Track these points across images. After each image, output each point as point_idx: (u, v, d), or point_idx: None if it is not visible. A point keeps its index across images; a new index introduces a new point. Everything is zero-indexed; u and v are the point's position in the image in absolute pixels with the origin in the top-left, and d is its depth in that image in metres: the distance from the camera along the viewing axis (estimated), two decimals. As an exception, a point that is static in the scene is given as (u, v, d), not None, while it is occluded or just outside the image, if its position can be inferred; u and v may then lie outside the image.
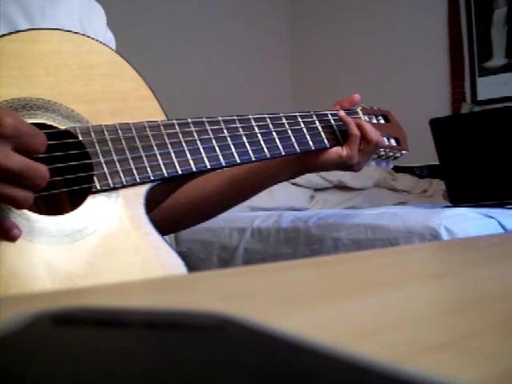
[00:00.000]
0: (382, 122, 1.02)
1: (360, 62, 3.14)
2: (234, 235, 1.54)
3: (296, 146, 0.84)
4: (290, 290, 0.32)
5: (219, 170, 0.81)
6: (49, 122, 0.62)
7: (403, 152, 1.04)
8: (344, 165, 0.91)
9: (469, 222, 1.24)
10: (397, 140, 1.03)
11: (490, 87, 2.76)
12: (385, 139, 0.98)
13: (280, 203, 1.90)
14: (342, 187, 2.20)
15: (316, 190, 2.14)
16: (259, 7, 3.26)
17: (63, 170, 0.61)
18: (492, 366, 0.17)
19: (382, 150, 0.98)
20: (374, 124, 0.98)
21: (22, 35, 0.63)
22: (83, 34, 0.71)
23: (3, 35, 0.62)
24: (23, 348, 0.15)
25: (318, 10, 3.35)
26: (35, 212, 0.59)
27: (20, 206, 0.52)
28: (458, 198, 1.53)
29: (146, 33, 2.65)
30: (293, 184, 2.03)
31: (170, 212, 0.87)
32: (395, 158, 1.03)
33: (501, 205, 1.40)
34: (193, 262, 1.55)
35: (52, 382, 0.13)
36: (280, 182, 0.95)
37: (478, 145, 1.50)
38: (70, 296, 0.32)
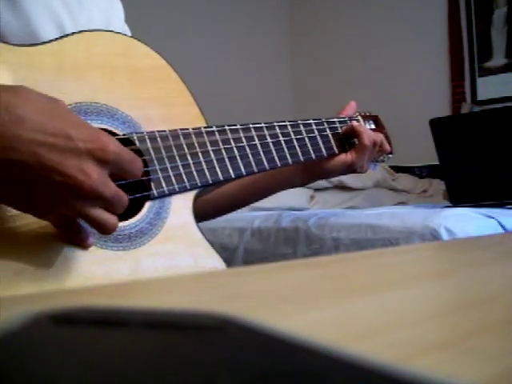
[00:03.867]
0: (373, 126, 1.05)
1: (360, 62, 3.14)
2: (234, 235, 1.54)
3: (312, 153, 0.87)
4: (290, 289, 0.32)
5: None
6: (109, 128, 0.63)
7: (389, 156, 1.07)
8: (348, 170, 0.95)
9: (469, 221, 1.24)
10: None
11: (490, 87, 2.76)
12: None
13: (280, 203, 1.90)
14: (342, 187, 2.20)
15: (316, 189, 2.14)
16: (259, 6, 3.25)
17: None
18: (492, 366, 0.17)
19: None
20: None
21: (76, 37, 0.64)
22: (131, 36, 0.72)
23: (60, 37, 0.63)
24: (23, 348, 0.15)
25: (317, 10, 3.35)
26: None
27: (108, 231, 0.53)
28: (458, 198, 1.53)
29: (144, 32, 2.65)
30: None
31: None
32: (382, 161, 1.08)
33: (501, 205, 1.40)
34: (193, 262, 1.55)
35: (52, 382, 0.13)
36: (289, 187, 0.98)
37: (478, 145, 1.50)
38: (70, 296, 0.32)
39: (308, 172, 0.94)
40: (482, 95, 2.80)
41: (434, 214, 1.27)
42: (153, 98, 0.69)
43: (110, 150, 0.49)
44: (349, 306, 0.27)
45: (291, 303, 0.28)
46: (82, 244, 0.55)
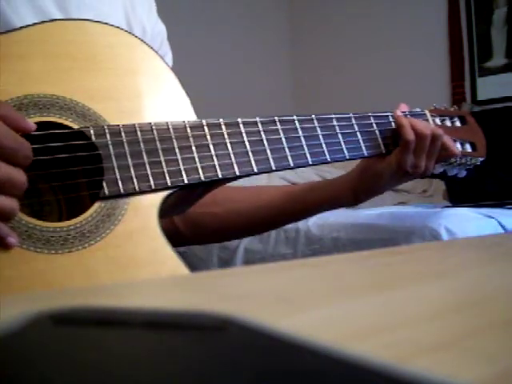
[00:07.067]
0: (458, 124, 0.92)
1: (360, 62, 3.14)
2: (234, 235, 1.53)
3: (364, 149, 0.76)
4: (290, 289, 0.32)
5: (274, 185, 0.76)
6: (59, 121, 0.57)
7: (480, 159, 0.91)
8: (400, 172, 0.80)
9: (469, 222, 1.24)
10: (472, 145, 0.91)
11: (490, 87, 2.76)
12: (457, 144, 0.88)
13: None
14: (342, 187, 2.19)
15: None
16: (259, 6, 3.25)
17: (78, 174, 0.58)
18: (492, 366, 0.17)
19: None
20: (446, 127, 0.88)
21: (44, 26, 0.59)
22: (110, 24, 0.64)
23: (22, 27, 0.58)
24: (23, 348, 0.15)
25: (317, 10, 3.35)
26: (56, 216, 0.58)
27: (6, 216, 0.49)
28: (458, 197, 1.53)
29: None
30: (293, 184, 2.02)
31: (219, 221, 0.82)
32: (469, 166, 0.91)
33: (501, 205, 1.41)
34: (193, 262, 1.55)
35: (52, 382, 0.13)
36: (333, 207, 0.86)
37: (478, 145, 1.50)
38: (70, 296, 0.32)
39: (355, 183, 0.81)
40: (482, 95, 2.80)
41: (434, 214, 1.27)
42: (125, 88, 0.61)
43: None
44: (348, 305, 0.27)
45: (291, 303, 0.28)
46: (2, 242, 0.50)
